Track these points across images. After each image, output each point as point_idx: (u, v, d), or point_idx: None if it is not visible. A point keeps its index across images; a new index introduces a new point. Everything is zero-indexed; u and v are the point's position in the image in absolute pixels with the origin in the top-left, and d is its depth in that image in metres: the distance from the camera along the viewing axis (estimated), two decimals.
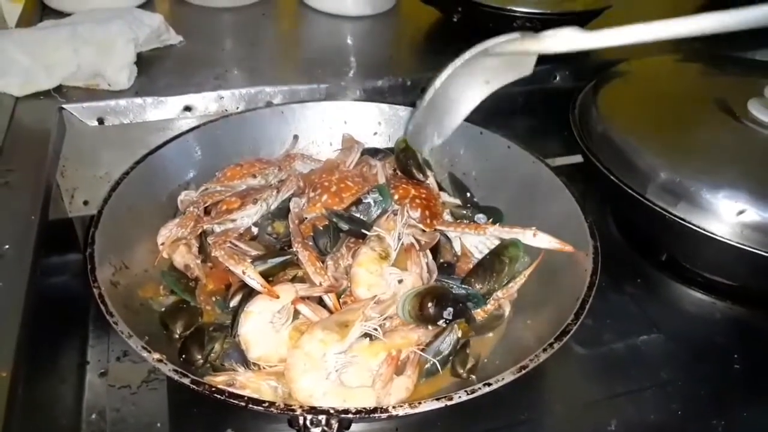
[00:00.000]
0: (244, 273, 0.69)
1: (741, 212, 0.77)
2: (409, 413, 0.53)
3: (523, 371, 0.57)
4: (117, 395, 0.71)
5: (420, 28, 1.31)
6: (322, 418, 0.53)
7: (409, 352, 0.66)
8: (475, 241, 0.82)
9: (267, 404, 0.53)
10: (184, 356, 0.66)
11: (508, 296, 0.75)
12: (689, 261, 0.90)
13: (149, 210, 0.81)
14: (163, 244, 0.78)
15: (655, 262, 0.93)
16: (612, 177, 0.85)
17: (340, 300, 0.72)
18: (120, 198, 0.75)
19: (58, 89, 0.94)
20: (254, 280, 0.69)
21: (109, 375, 0.74)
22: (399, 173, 0.90)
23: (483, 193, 0.92)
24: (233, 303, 0.71)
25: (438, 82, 0.74)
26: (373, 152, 0.95)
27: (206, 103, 0.98)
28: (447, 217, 0.85)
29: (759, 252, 0.75)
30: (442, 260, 0.79)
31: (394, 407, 0.53)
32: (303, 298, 0.69)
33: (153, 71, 1.02)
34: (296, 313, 0.69)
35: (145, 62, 1.02)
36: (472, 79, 0.73)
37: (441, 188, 0.91)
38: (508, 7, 1.08)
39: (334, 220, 0.77)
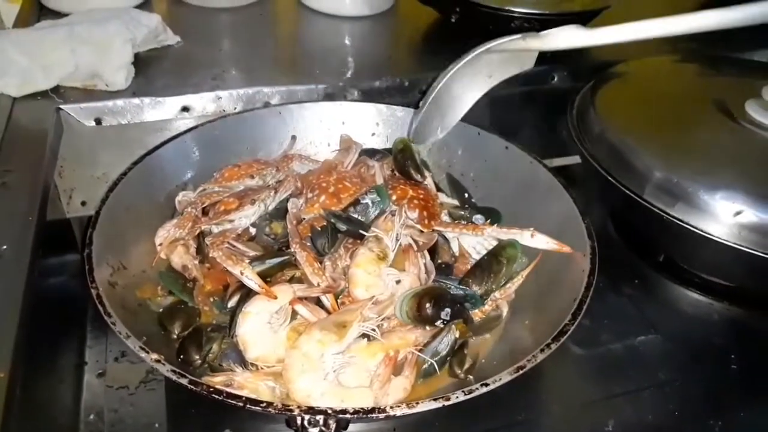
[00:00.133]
0: (242, 273, 0.69)
1: (738, 213, 0.77)
2: (407, 413, 0.53)
3: (521, 371, 0.57)
4: (115, 396, 0.71)
5: (418, 29, 1.31)
6: (320, 418, 0.53)
7: (407, 352, 0.66)
8: (473, 242, 0.82)
9: (265, 404, 0.53)
10: (182, 357, 0.66)
11: (505, 297, 0.76)
12: (687, 262, 0.90)
13: (147, 211, 0.80)
14: (161, 244, 0.78)
15: (652, 263, 0.93)
16: (610, 178, 0.85)
17: (338, 300, 0.72)
18: (118, 198, 0.75)
19: (55, 90, 0.94)
20: (252, 281, 0.69)
21: (107, 375, 0.74)
22: (397, 174, 0.90)
23: (481, 193, 0.92)
24: (231, 303, 0.71)
25: (441, 82, 0.75)
26: (371, 153, 0.95)
27: (204, 103, 0.98)
28: (445, 217, 0.85)
29: (756, 253, 0.75)
30: (440, 261, 0.79)
31: (391, 407, 0.54)
32: (301, 299, 0.69)
33: (150, 72, 1.02)
34: (294, 314, 0.69)
35: (142, 63, 1.02)
36: (475, 75, 0.73)
37: (439, 189, 0.92)
38: (506, 8, 1.08)
39: (332, 220, 0.77)
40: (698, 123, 0.91)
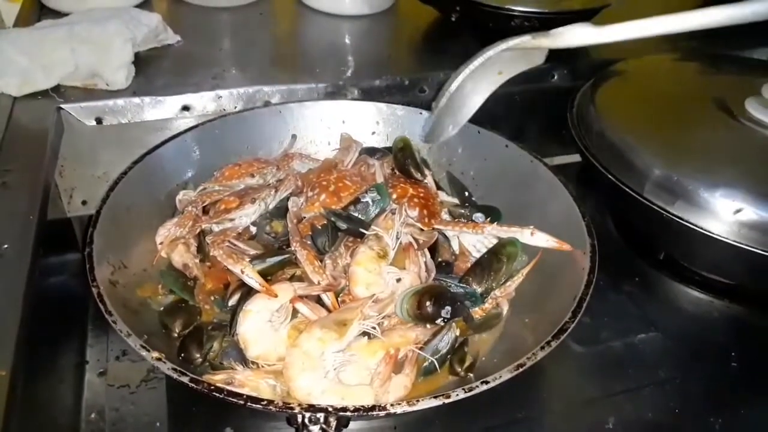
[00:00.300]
0: (242, 272, 0.70)
1: (738, 211, 0.77)
2: (407, 411, 0.54)
3: (521, 369, 0.57)
4: (116, 394, 0.71)
5: (418, 28, 1.31)
6: (321, 416, 0.53)
7: (408, 350, 0.66)
8: (473, 240, 0.82)
9: (265, 402, 0.53)
10: (183, 355, 0.66)
11: (506, 295, 0.76)
12: (687, 260, 0.90)
13: (148, 209, 0.81)
14: (161, 243, 0.78)
15: (652, 261, 0.93)
16: (610, 176, 0.85)
17: (339, 299, 0.72)
18: (118, 198, 0.75)
19: (56, 89, 0.94)
20: (253, 279, 0.69)
21: (108, 374, 0.74)
22: (397, 172, 0.90)
23: (481, 192, 0.92)
24: (232, 302, 0.71)
25: (454, 85, 0.75)
26: (372, 151, 0.95)
27: (204, 102, 0.98)
28: (445, 216, 0.85)
29: (756, 250, 0.75)
30: (440, 259, 0.79)
31: (392, 405, 0.54)
32: (301, 297, 0.69)
33: (151, 71, 1.02)
34: (295, 312, 0.69)
35: (142, 62, 1.02)
36: (486, 73, 0.73)
37: (439, 187, 0.92)
38: (507, 6, 1.08)
39: (333, 219, 0.77)
40: (698, 121, 0.91)
